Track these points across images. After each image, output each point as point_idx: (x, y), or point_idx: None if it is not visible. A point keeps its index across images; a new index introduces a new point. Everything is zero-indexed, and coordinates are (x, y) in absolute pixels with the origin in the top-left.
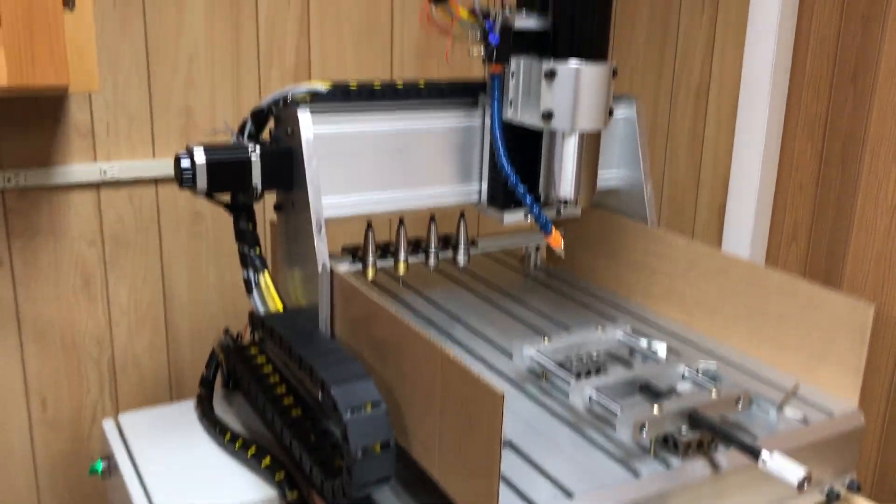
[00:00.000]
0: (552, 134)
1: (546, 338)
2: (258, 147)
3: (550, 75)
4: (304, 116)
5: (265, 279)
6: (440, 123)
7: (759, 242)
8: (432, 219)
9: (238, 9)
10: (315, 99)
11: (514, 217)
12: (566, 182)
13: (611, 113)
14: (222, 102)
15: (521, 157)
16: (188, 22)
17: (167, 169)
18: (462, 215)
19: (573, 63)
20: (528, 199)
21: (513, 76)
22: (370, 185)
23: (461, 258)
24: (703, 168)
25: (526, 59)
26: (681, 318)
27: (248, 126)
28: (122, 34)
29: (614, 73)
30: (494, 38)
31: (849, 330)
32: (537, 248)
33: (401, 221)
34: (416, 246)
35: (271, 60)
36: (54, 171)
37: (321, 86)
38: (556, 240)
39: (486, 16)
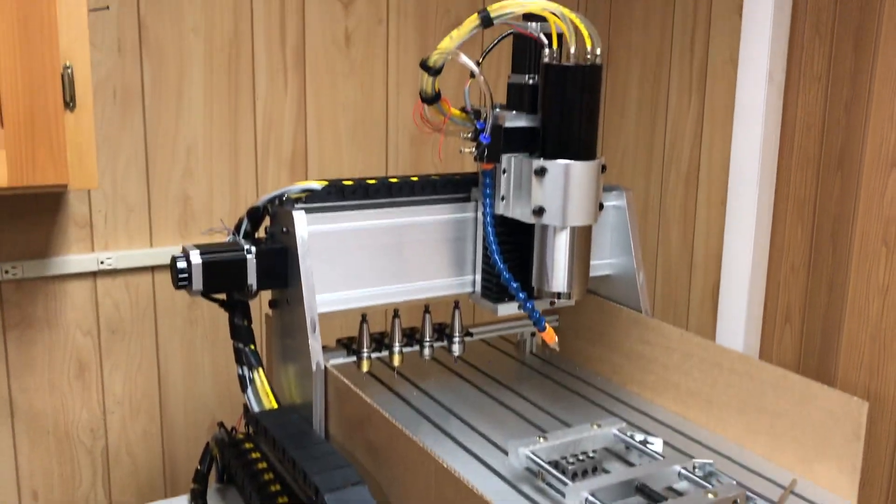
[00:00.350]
0: (544, 228)
1: (542, 437)
2: (254, 246)
3: (541, 172)
4: (300, 216)
5: (260, 376)
6: (434, 217)
7: (754, 323)
8: (427, 310)
9: (236, 100)
10: (311, 197)
11: (507, 309)
12: (559, 276)
13: (601, 207)
14: (220, 191)
15: (514, 248)
16: (187, 114)
17: (164, 257)
18: (456, 305)
19: (563, 161)
20: (521, 296)
21: (504, 172)
22: (365, 281)
23: (456, 348)
24: (696, 249)
25: (517, 157)
26: (676, 409)
27: (245, 224)
28: (121, 126)
29: (603, 168)
30: (486, 138)
31: (844, 427)
32: (532, 335)
33: (395, 313)
34: (412, 336)
35: (268, 150)
36: (52, 262)
37: (316, 184)
38: (550, 336)
39: (478, 115)
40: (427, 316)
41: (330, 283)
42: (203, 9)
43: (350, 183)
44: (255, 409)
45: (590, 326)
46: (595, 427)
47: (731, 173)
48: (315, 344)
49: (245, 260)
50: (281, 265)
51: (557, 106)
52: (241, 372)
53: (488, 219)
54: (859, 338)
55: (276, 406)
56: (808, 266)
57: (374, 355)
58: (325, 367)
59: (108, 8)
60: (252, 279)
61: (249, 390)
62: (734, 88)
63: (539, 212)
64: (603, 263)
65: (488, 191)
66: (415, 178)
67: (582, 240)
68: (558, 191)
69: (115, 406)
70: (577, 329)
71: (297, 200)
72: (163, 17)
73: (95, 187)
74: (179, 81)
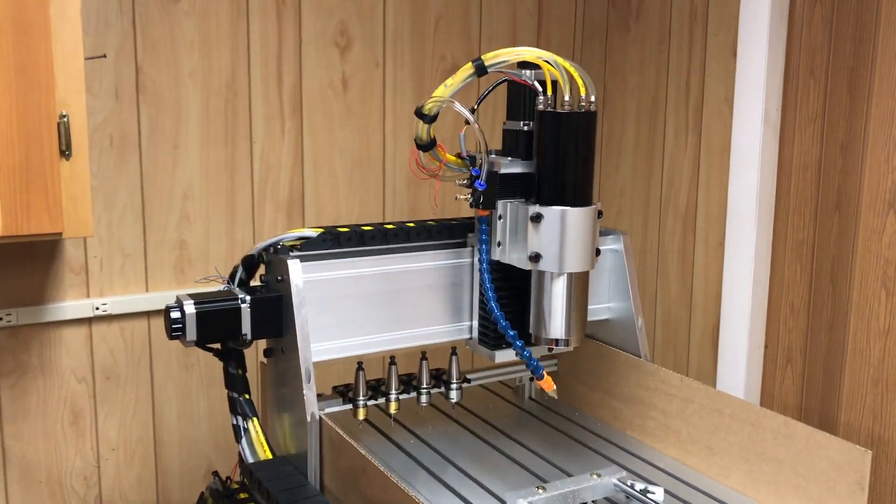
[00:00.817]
0: (540, 275)
1: (540, 487)
2: (248, 295)
3: (537, 219)
4: (294, 265)
5: (254, 426)
6: (430, 264)
7: (755, 364)
8: (423, 356)
9: (233, 144)
10: (306, 245)
11: (505, 356)
12: (556, 322)
13: (597, 253)
14: (216, 236)
15: (511, 294)
16: (183, 158)
17: (160, 302)
18: (454, 351)
19: (558, 207)
20: (519, 344)
21: (500, 218)
22: (361, 328)
23: (454, 394)
24: (695, 291)
25: (512, 203)
26: (677, 456)
27: (239, 272)
28: (118, 172)
29: (599, 214)
30: (481, 185)
31: (848, 476)
32: (531, 380)
33: (392, 360)
34: (409, 382)
35: (265, 194)
36: (47, 308)
37: (312, 231)
38: (548, 384)
39: (473, 161)
40: (424, 363)
41: (325, 331)
42: (200, 54)
43: (345, 230)
44: (250, 459)
45: (589, 371)
46: (594, 477)
47: (729, 214)
48: (310, 394)
49: (239, 309)
50: (275, 314)
51: (552, 152)
52: (235, 422)
53: (484, 265)
54: (861, 381)
55: (270, 456)
56: (807, 307)
57: (370, 402)
58: (320, 418)
59: (104, 56)
60: (246, 328)
61: (244, 441)
62: (730, 128)
63: (535, 258)
64: (601, 308)
65: (484, 237)
66: (411, 224)
67: (579, 286)
68: (554, 237)
69: (109, 453)
70: (576, 374)
71: (293, 248)
72: (159, 62)
73: (90, 235)
74: (176, 126)
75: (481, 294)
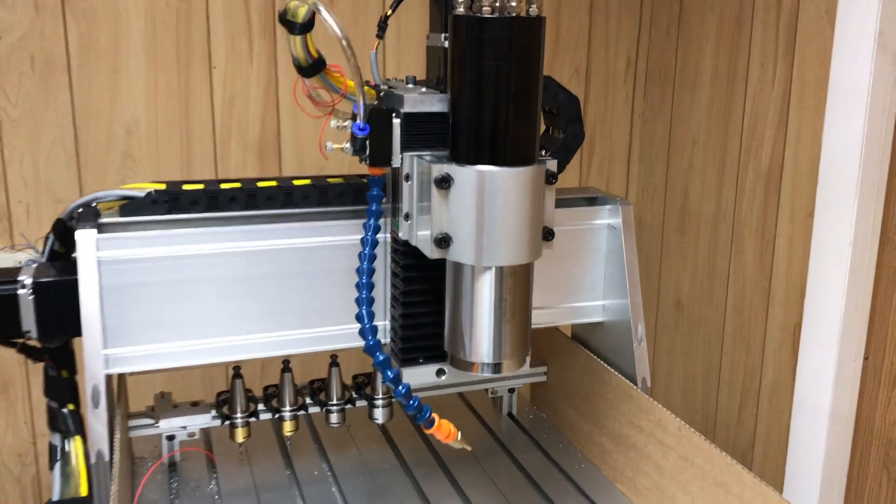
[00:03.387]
0: (457, 268)
1: None
2: (31, 278)
3: (444, 183)
4: (85, 238)
5: (76, 448)
6: (323, 240)
7: (848, 380)
8: (333, 362)
9: (187, 69)
10: (128, 208)
11: (421, 376)
12: (479, 339)
13: (548, 235)
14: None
15: (429, 287)
16: (125, 86)
17: None
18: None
19: (477, 168)
20: (390, 375)
21: (407, 179)
22: (207, 328)
23: (380, 413)
24: (775, 277)
25: (424, 158)
26: None
27: (51, 242)
28: (43, 102)
29: (550, 178)
30: (361, 129)
31: None
32: (512, 391)
33: (285, 365)
34: (318, 392)
35: (230, 131)
36: None
37: (138, 191)
38: (446, 433)
39: (378, 90)
40: (334, 370)
41: (146, 330)
42: None
43: (194, 187)
44: (57, 494)
45: (578, 389)
46: None
47: (822, 174)
48: (97, 424)
49: (16, 296)
50: (71, 305)
51: (469, 81)
52: (52, 441)
53: (366, 248)
54: None
55: (86, 492)
56: None
57: (262, 416)
58: (113, 460)
59: None
60: (29, 323)
61: (57, 467)
62: (829, 55)
63: (443, 242)
64: (593, 307)
65: (373, 207)
66: (301, 182)
67: (517, 285)
68: (469, 211)
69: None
70: (564, 390)
71: (108, 212)
72: None
73: None
74: (114, 46)
75: (394, 285)
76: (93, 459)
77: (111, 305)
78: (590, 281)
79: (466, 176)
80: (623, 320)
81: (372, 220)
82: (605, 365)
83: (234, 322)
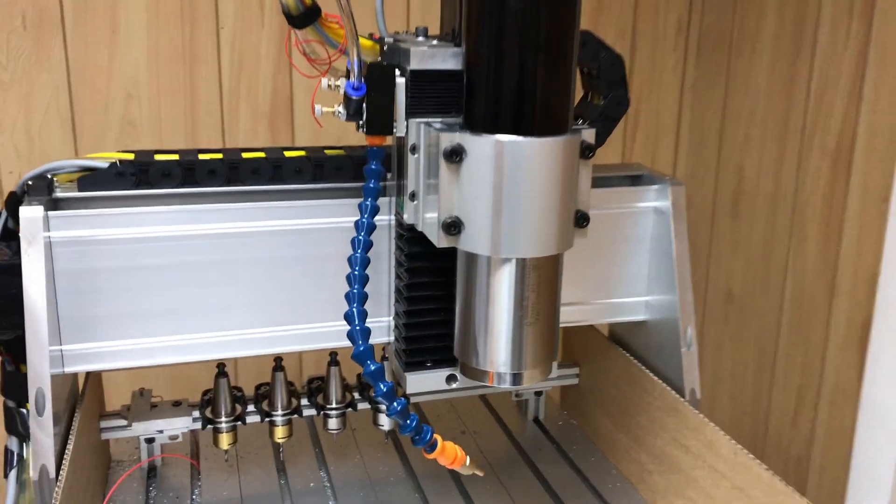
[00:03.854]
0: (470, 259)
1: None
2: None
3: (454, 156)
4: (31, 214)
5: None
6: (318, 222)
7: None
8: (332, 360)
9: (192, 27)
10: (89, 181)
11: (426, 383)
12: (495, 345)
13: (582, 221)
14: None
15: (441, 280)
16: (124, 46)
17: None
18: (384, 354)
19: (495, 137)
20: (383, 388)
21: (413, 151)
22: (180, 323)
23: (384, 421)
24: (841, 266)
25: (433, 126)
26: None
27: (4, 219)
28: (36, 63)
29: (586, 151)
30: (355, 88)
31: None
32: (539, 394)
33: (277, 363)
34: (316, 393)
35: (238, 96)
36: None
37: (101, 161)
38: (450, 458)
39: (382, 43)
40: (333, 370)
41: (110, 324)
42: None
43: (166, 157)
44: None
45: (615, 397)
46: None
47: None
48: (41, 434)
49: None
50: (15, 292)
51: (489, 30)
52: (8, 445)
53: (362, 232)
54: None
55: None
56: None
57: (248, 420)
58: (60, 478)
59: None
60: None
61: (12, 475)
62: None
63: (453, 227)
64: (634, 303)
65: (372, 184)
66: (291, 154)
67: (542, 281)
68: (485, 192)
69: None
70: (599, 395)
71: (66, 185)
72: None
73: None
74: (113, 2)
75: (398, 276)
76: (35, 476)
77: (68, 294)
78: (631, 273)
79: (482, 147)
80: (670, 319)
81: (369, 200)
82: (647, 371)
83: (212, 315)
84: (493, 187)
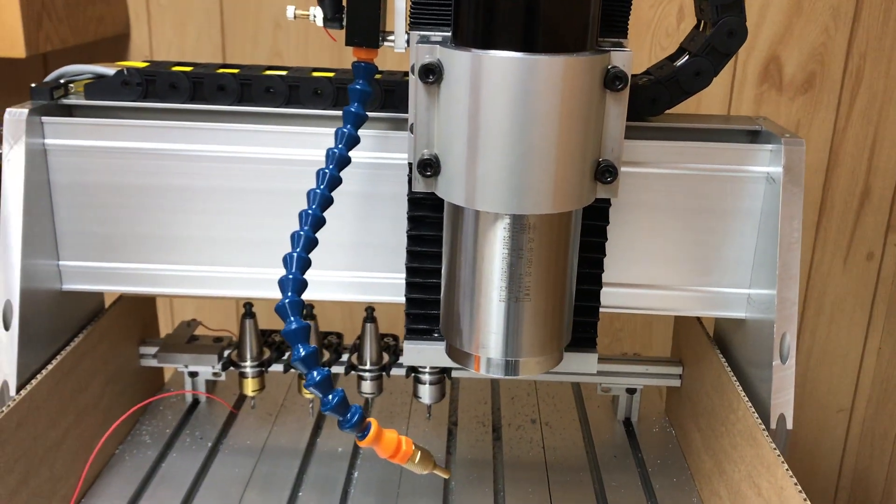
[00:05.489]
0: (456, 212)
1: None
2: None
3: (429, 76)
4: (14, 118)
5: None
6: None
7: None
8: (369, 316)
9: None
10: (93, 88)
11: (425, 355)
12: (484, 323)
13: (606, 174)
14: None
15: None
16: None
17: None
18: None
19: (481, 53)
20: (315, 376)
21: (412, 72)
22: (182, 251)
23: (426, 391)
24: None
25: (432, 38)
26: None
27: None
28: None
29: (615, 81)
30: None
31: None
32: (632, 391)
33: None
34: (354, 349)
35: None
36: None
37: (113, 69)
38: (388, 450)
39: None
40: (369, 326)
41: (108, 243)
42: None
43: (178, 69)
44: None
45: (707, 409)
46: None
47: None
48: (4, 348)
49: None
50: None
51: None
52: None
53: (329, 165)
54: None
55: None
56: None
57: (275, 367)
58: (16, 396)
59: None
60: None
61: None
62: None
63: (428, 167)
64: (734, 296)
65: (354, 106)
66: (317, 74)
67: (542, 245)
68: (461, 123)
69: None
70: (696, 406)
71: (76, 92)
72: None
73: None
74: None
75: (410, 226)
76: None
77: (64, 208)
78: (734, 258)
79: (460, 64)
80: (763, 319)
81: (348, 127)
82: (737, 384)
83: (215, 248)
84: (469, 117)
